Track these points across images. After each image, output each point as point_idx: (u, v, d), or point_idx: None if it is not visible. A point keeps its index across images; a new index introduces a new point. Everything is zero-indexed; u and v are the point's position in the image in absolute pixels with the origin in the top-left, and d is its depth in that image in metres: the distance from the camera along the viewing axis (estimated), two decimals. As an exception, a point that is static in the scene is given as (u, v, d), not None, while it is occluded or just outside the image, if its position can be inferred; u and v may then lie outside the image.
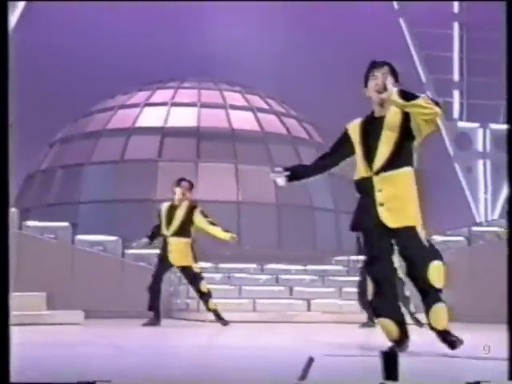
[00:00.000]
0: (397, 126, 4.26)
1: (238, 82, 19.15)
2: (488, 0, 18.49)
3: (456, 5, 21.71)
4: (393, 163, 4.24)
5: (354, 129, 4.50)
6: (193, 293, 11.81)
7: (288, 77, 19.40)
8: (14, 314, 7.70)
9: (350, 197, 18.54)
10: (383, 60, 4.52)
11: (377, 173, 4.28)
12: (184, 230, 8.48)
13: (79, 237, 12.95)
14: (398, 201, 4.24)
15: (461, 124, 21.47)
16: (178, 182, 8.79)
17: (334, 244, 17.54)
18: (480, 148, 21.52)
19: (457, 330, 8.04)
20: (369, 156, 4.34)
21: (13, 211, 12.92)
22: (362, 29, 19.68)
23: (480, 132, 21.49)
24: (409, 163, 4.27)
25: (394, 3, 21.30)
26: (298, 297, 12.02)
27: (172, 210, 8.52)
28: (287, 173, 4.65)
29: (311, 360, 1.83)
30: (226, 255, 14.24)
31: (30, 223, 13.07)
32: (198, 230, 8.71)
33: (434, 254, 4.27)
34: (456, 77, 21.55)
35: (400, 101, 4.14)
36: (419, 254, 4.24)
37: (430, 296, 4.28)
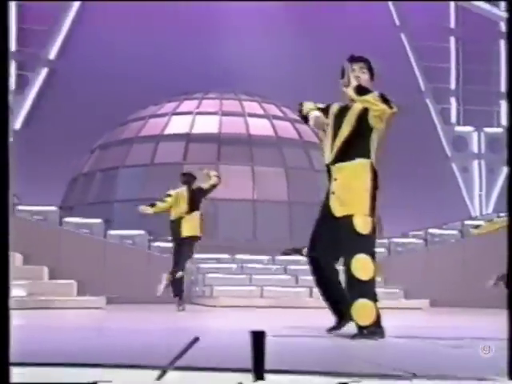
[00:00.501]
0: (355, 119, 4.04)
1: (256, 92, 19.26)
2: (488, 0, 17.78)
3: (452, 21, 21.58)
4: (347, 154, 4.01)
5: (332, 110, 4.22)
6: (208, 281, 12.19)
7: (301, 86, 19.45)
8: (45, 298, 8.29)
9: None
10: (362, 56, 4.34)
11: (333, 162, 4.07)
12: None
13: (111, 232, 13.43)
14: (347, 191, 3.98)
15: (457, 128, 21.43)
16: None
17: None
18: (475, 150, 21.45)
19: (452, 314, 8.13)
20: (332, 144, 4.10)
21: (54, 209, 13.53)
22: (368, 42, 19.69)
23: (475, 135, 21.43)
24: (363, 155, 4.02)
25: (396, 20, 21.23)
26: (302, 285, 12.00)
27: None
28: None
29: (195, 340, 1.65)
30: (243, 247, 14.51)
31: (69, 220, 13.50)
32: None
33: (362, 246, 3.93)
34: (453, 85, 21.47)
35: (353, 95, 3.98)
36: (348, 245, 3.97)
37: (354, 289, 3.96)
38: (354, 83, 4.01)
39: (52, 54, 19.80)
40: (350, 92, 3.97)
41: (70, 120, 18.21)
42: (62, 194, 18.41)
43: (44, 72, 19.82)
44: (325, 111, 4.23)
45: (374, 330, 3.84)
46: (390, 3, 21.28)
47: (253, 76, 19.36)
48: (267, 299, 11.47)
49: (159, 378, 1.48)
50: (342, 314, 4.11)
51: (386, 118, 4.02)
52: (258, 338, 1.56)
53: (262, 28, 20.00)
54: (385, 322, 3.92)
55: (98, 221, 13.51)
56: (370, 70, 4.26)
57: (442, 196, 19.71)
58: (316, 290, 11.96)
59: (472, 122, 21.31)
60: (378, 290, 12.84)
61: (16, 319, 6.15)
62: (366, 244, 3.95)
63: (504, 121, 21.51)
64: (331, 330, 4.18)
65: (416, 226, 15.88)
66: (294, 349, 3.42)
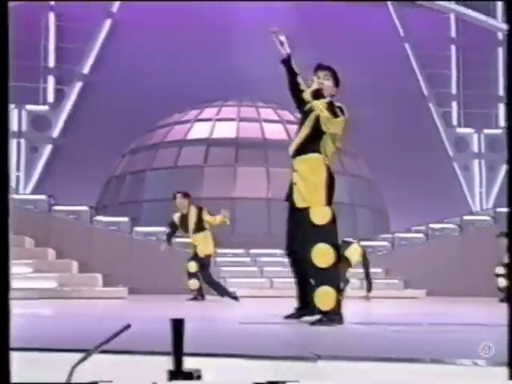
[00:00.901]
0: (313, 119, 4.06)
1: (271, 99, 19.34)
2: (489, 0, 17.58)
3: (453, 31, 21.51)
4: (304, 148, 4.06)
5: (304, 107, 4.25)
6: (222, 273, 12.41)
7: None
8: (72, 289, 8.75)
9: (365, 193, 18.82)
10: (328, 65, 4.35)
11: (294, 155, 4.12)
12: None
13: (137, 228, 13.76)
14: (305, 184, 4.01)
15: (459, 130, 21.38)
16: (174, 197, 9.23)
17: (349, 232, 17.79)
18: (475, 150, 21.38)
19: (449, 303, 8.14)
20: (296, 139, 4.20)
21: (86, 209, 13.90)
22: (375, 52, 19.81)
23: (475, 136, 21.36)
24: (317, 151, 4.04)
25: (401, 31, 21.24)
26: None
27: (183, 217, 9.04)
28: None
29: (126, 327, 1.57)
30: (259, 242, 14.67)
31: (99, 218, 13.81)
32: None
33: (322, 236, 3.90)
34: (454, 90, 21.42)
35: (308, 97, 4.02)
36: (308, 236, 3.94)
37: (315, 277, 3.95)
38: (313, 86, 4.07)
39: (86, 69, 20.17)
40: (307, 95, 4.08)
41: (102, 128, 18.46)
42: (97, 195, 18.78)
43: (79, 86, 20.15)
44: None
45: (333, 317, 3.83)
46: (394, 16, 21.28)
47: (269, 85, 19.44)
48: (276, 290, 11.65)
49: (82, 360, 1.52)
50: (307, 303, 4.09)
51: (341, 125, 4.03)
52: (177, 324, 1.54)
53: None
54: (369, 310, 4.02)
55: (125, 219, 13.83)
56: (335, 78, 4.25)
57: (445, 193, 19.72)
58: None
59: (472, 124, 21.25)
60: (379, 281, 13.00)
61: (45, 308, 6.57)
62: (325, 234, 3.92)
63: (502, 122, 21.44)
64: (288, 317, 4.21)
65: (421, 222, 15.93)
66: (254, 334, 3.49)
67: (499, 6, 20.82)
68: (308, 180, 4.03)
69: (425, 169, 19.46)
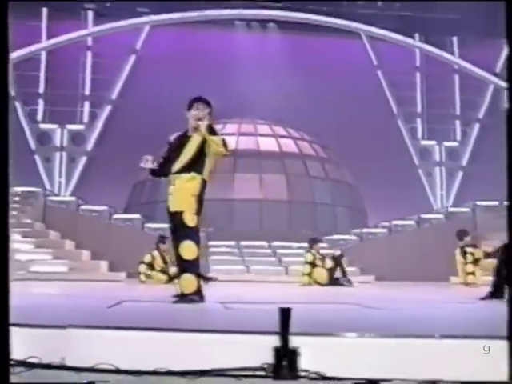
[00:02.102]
0: (196, 145, 4.12)
1: (268, 117, 18.95)
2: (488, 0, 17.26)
3: (418, 60, 21.16)
4: (186, 168, 4.10)
5: (175, 138, 4.36)
6: (211, 262, 12.17)
7: (301, 111, 19.23)
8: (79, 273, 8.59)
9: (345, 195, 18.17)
10: (206, 98, 4.38)
11: (177, 173, 4.12)
12: None
13: (147, 225, 13.60)
14: (180, 193, 4.04)
15: (423, 142, 21.06)
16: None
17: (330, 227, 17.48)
18: (437, 159, 21.03)
19: (407, 287, 7.97)
20: (175, 160, 4.17)
21: (105, 209, 13.80)
22: (352, 78, 19.58)
23: (437, 148, 21.01)
24: (198, 171, 4.11)
25: (374, 60, 20.93)
26: (283, 265, 11.97)
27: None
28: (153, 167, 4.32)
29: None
30: (252, 236, 14.45)
31: (116, 216, 13.74)
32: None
33: (189, 235, 3.99)
34: (419, 109, 21.11)
35: (206, 133, 4.05)
36: (179, 235, 4.02)
37: (181, 266, 4.04)
38: (205, 122, 4.12)
39: (114, 95, 20.22)
40: (203, 130, 4.08)
41: (127, 142, 18.41)
42: (125, 197, 18.63)
43: (108, 109, 20.23)
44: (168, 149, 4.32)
45: (194, 297, 3.91)
46: (368, 48, 20.97)
47: (269, 104, 19.27)
48: (252, 275, 11.48)
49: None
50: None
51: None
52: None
53: (272, 69, 20.00)
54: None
55: (138, 216, 13.74)
56: (209, 106, 4.30)
57: (412, 195, 19.39)
58: (291, 268, 11.89)
59: (434, 137, 20.93)
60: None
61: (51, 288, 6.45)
62: (192, 234, 4.01)
63: (459, 136, 21.02)
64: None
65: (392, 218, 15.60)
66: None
67: (455, 43, 20.53)
68: (183, 191, 4.06)
69: (395, 175, 19.22)
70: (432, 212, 16.02)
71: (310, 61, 19.73)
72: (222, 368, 1.96)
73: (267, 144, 17.85)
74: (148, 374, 1.94)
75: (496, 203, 14.71)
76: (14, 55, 18.26)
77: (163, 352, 1.99)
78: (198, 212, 4.08)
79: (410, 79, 20.88)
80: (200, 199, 4.11)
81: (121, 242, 12.29)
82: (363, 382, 1.95)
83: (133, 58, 20.41)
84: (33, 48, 18.35)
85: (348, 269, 12.46)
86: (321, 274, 8.60)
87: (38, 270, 9.46)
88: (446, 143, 20.85)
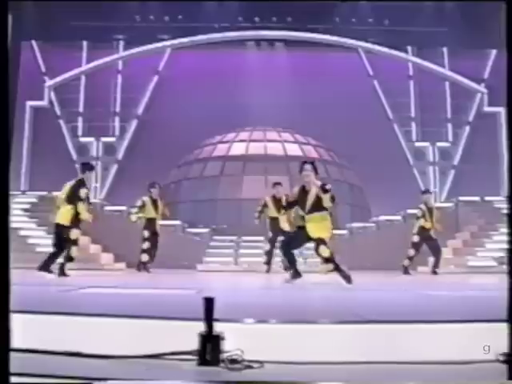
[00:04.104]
0: (315, 196, 5.49)
1: (277, 125, 19.44)
2: (487, 0, 17.05)
3: (411, 70, 21.47)
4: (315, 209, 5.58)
5: (297, 190, 5.64)
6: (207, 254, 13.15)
7: (306, 119, 19.43)
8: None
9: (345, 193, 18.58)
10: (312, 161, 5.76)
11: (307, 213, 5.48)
12: None
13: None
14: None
15: (417, 144, 21.31)
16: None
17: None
18: (431, 159, 21.25)
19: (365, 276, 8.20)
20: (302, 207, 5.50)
21: (124, 208, 14.70)
22: (351, 88, 20.21)
23: (430, 149, 21.24)
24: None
25: (370, 71, 21.46)
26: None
27: None
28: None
29: None
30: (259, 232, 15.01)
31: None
32: None
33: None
34: (413, 114, 21.38)
35: (320, 192, 5.39)
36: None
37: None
38: (317, 183, 5.56)
39: (140, 111, 21.46)
40: (318, 191, 5.49)
41: (152, 152, 19.51)
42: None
43: (135, 123, 21.45)
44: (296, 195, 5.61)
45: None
46: (365, 60, 21.52)
47: (278, 113, 19.53)
48: (238, 266, 11.99)
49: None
50: None
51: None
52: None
53: (280, 82, 20.58)
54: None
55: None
56: (315, 168, 5.68)
57: (408, 192, 19.68)
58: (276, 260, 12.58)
59: (427, 139, 21.18)
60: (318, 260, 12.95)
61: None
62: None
63: (450, 137, 21.30)
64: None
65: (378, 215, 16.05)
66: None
67: (445, 53, 20.79)
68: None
69: (392, 174, 19.57)
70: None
71: (312, 74, 20.43)
72: (153, 354, 1.93)
73: (274, 149, 18.33)
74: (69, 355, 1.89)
75: (477, 198, 15.31)
76: (60, 79, 20.37)
77: (99, 336, 2.00)
78: None
79: (404, 87, 21.20)
80: None
81: (131, 236, 12.26)
82: None
83: (156, 78, 21.60)
84: (73, 72, 20.36)
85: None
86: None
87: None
88: (439, 144, 21.05)
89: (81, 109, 20.90)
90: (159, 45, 20.56)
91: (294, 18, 19.51)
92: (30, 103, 20.46)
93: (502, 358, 1.79)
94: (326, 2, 18.59)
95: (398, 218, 15.72)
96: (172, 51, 21.18)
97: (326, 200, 5.37)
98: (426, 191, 11.33)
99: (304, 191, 5.52)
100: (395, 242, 13.19)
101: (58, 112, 20.78)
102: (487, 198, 15.18)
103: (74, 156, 20.45)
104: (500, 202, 14.99)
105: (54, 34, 19.57)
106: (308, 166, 5.55)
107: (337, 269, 5.58)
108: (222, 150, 18.53)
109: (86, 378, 1.54)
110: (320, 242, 5.44)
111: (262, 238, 14.65)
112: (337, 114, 19.52)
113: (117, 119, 21.19)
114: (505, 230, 13.14)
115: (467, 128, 21.02)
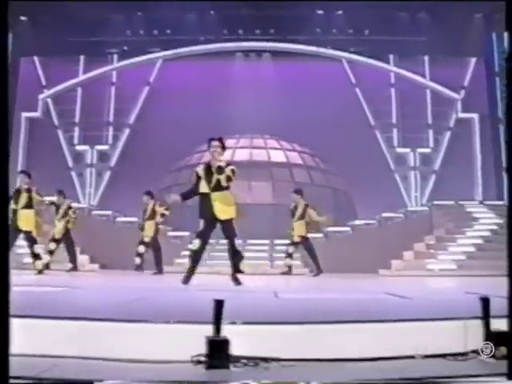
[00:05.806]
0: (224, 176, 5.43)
1: (265, 132, 19.52)
2: (487, 0, 16.97)
3: (392, 78, 21.57)
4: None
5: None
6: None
7: (301, 127, 19.41)
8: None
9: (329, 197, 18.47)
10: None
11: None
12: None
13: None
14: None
15: (398, 150, 21.37)
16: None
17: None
18: (412, 164, 21.28)
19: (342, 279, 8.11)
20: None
21: (110, 213, 15.40)
22: (334, 95, 20.33)
23: (411, 154, 21.28)
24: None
25: (353, 79, 21.56)
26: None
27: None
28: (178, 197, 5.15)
29: None
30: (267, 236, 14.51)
31: (119, 219, 14.71)
32: None
33: None
34: (394, 120, 21.47)
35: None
36: None
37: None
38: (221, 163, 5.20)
39: (132, 120, 21.88)
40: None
41: (143, 160, 19.75)
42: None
43: (127, 131, 21.83)
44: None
45: None
46: (347, 69, 21.62)
47: (265, 120, 19.58)
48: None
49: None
50: None
51: None
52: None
53: (268, 92, 20.71)
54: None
55: (135, 219, 15.25)
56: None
57: (389, 196, 19.83)
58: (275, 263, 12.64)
59: (408, 145, 21.23)
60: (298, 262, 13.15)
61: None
62: None
63: (431, 143, 21.24)
64: None
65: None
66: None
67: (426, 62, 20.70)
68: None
69: (374, 179, 19.68)
70: (392, 211, 16.48)
71: (298, 83, 20.67)
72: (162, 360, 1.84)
73: (276, 156, 18.39)
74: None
75: (452, 202, 15.29)
76: (53, 91, 20.99)
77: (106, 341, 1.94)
78: None
79: (385, 94, 21.30)
80: None
81: (113, 239, 12.81)
82: None
83: (147, 89, 22.05)
84: (70, 82, 20.98)
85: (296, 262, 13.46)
86: None
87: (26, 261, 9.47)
88: (420, 150, 21.10)
89: (77, 119, 21.50)
90: (149, 56, 21.09)
91: (276, 30, 19.72)
92: (25, 114, 20.95)
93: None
94: (306, 15, 18.77)
95: (373, 221, 15.75)
96: (162, 64, 21.63)
97: (223, 180, 5.16)
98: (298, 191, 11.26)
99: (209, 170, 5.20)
100: (369, 245, 13.46)
101: (56, 122, 21.40)
102: (461, 202, 15.16)
103: (70, 163, 21.03)
104: (472, 205, 15.01)
105: (53, 50, 20.24)
106: (215, 143, 5.24)
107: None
108: (209, 156, 18.58)
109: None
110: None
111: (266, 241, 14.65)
112: (321, 120, 19.68)
113: (110, 128, 21.70)
114: (472, 233, 13.18)
115: (448, 134, 21.01)
